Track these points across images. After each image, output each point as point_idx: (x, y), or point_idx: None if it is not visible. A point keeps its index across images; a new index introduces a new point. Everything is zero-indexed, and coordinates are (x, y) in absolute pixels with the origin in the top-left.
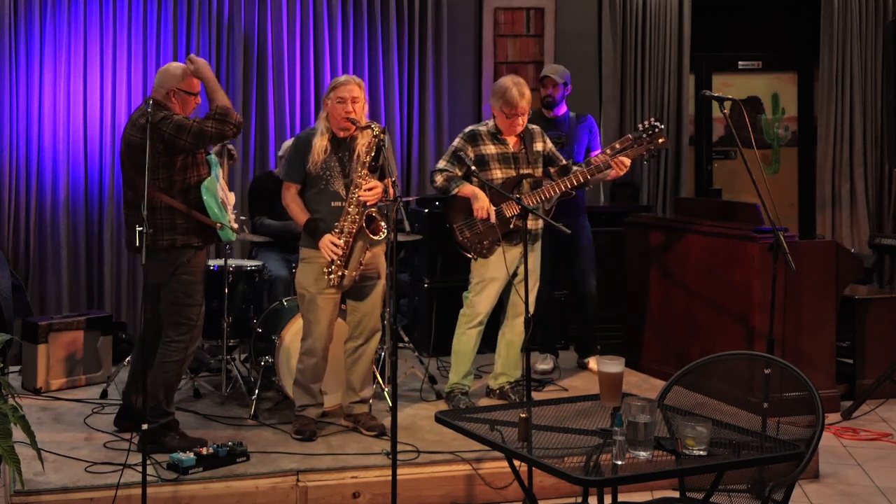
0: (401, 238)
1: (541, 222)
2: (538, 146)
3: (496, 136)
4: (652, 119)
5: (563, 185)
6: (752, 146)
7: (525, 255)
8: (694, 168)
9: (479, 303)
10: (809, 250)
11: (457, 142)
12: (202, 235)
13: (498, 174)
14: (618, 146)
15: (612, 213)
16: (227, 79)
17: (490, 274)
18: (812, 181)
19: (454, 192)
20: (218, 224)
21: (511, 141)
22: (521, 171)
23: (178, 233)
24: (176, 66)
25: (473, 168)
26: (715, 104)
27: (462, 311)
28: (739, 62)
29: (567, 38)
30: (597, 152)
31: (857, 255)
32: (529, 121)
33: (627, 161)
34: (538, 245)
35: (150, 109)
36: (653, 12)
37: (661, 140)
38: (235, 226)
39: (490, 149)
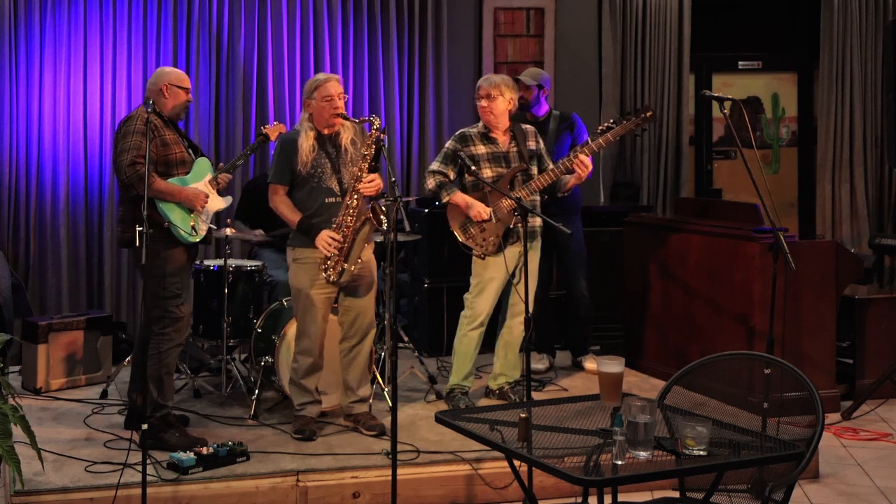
0: (401, 238)
1: (539, 220)
2: (531, 144)
3: (486, 135)
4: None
5: (536, 184)
6: (752, 146)
7: (525, 255)
8: (694, 168)
9: (479, 304)
10: (809, 250)
11: (449, 144)
12: (165, 233)
13: (488, 173)
14: (602, 128)
15: (612, 213)
16: (227, 79)
17: (489, 274)
18: (812, 181)
19: (445, 199)
20: (165, 222)
21: (501, 140)
22: (513, 167)
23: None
24: (167, 67)
25: (473, 168)
26: (715, 104)
27: (463, 313)
28: (739, 62)
29: (567, 38)
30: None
31: (857, 255)
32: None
33: (587, 161)
34: (538, 243)
35: (149, 109)
36: (653, 12)
37: (648, 114)
38: (203, 228)
39: (480, 149)
